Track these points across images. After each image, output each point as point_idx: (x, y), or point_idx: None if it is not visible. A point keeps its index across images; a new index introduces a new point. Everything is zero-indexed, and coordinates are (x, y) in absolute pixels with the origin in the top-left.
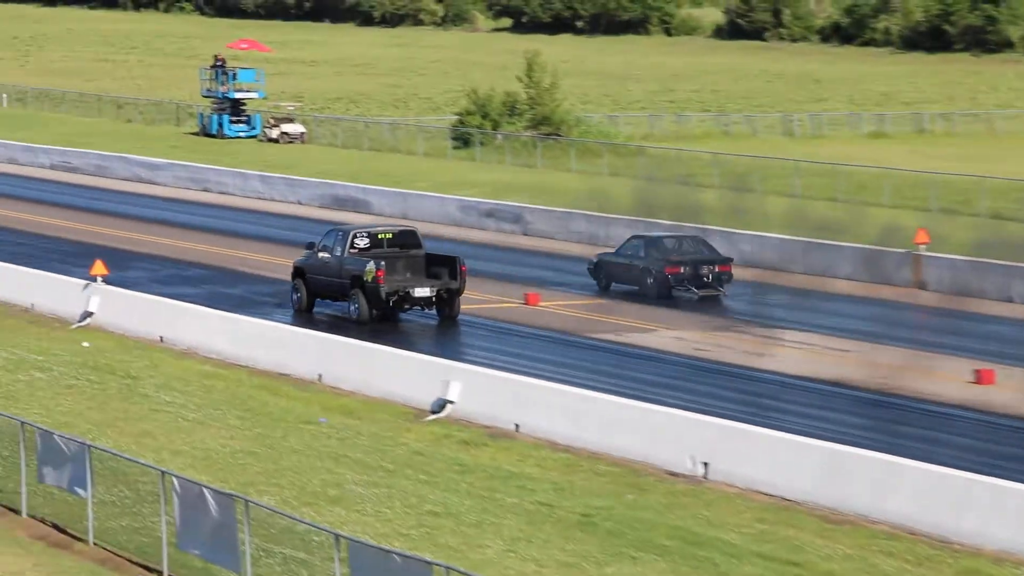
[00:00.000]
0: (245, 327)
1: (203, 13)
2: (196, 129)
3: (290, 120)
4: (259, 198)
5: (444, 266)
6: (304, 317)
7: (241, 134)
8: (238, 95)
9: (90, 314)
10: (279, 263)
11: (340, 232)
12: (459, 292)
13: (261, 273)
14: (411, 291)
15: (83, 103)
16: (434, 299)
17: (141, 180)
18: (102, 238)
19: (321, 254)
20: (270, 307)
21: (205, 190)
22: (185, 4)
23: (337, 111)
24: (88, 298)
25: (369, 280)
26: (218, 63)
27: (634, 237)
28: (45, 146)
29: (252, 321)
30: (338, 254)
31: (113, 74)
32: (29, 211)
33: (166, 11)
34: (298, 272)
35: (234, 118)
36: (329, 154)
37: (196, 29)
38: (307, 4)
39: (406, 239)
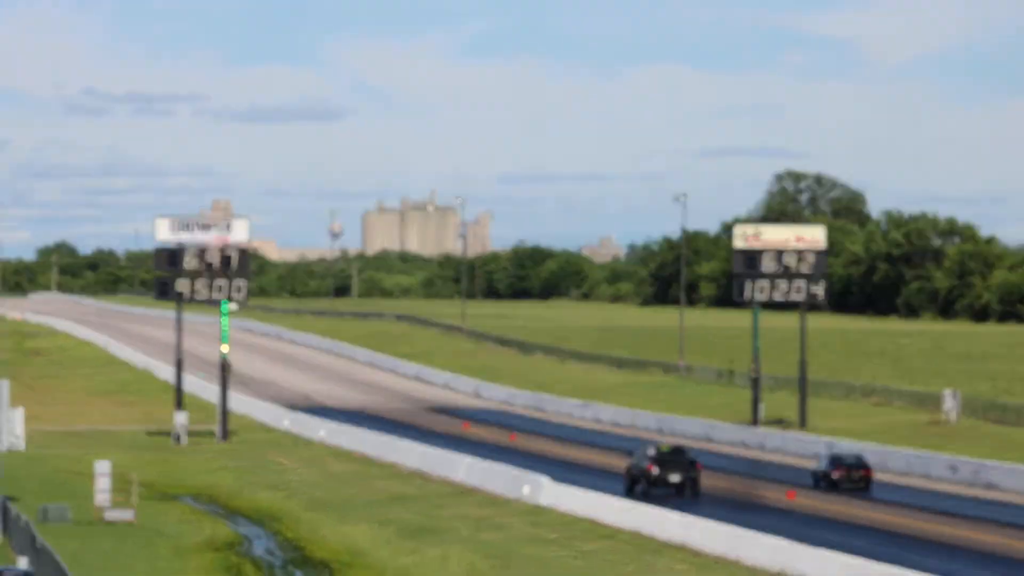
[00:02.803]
0: None
1: None
2: None
3: None
4: None
5: (692, 464)
6: None
7: None
8: None
9: None
10: None
11: (641, 446)
12: (697, 480)
13: None
14: (668, 478)
15: None
16: (682, 483)
17: None
18: None
19: (635, 459)
20: None
21: None
22: None
23: None
24: None
25: (645, 471)
26: None
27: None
28: None
29: None
30: (638, 458)
31: None
32: None
33: None
34: (627, 470)
35: None
36: None
37: None
38: None
39: (677, 451)
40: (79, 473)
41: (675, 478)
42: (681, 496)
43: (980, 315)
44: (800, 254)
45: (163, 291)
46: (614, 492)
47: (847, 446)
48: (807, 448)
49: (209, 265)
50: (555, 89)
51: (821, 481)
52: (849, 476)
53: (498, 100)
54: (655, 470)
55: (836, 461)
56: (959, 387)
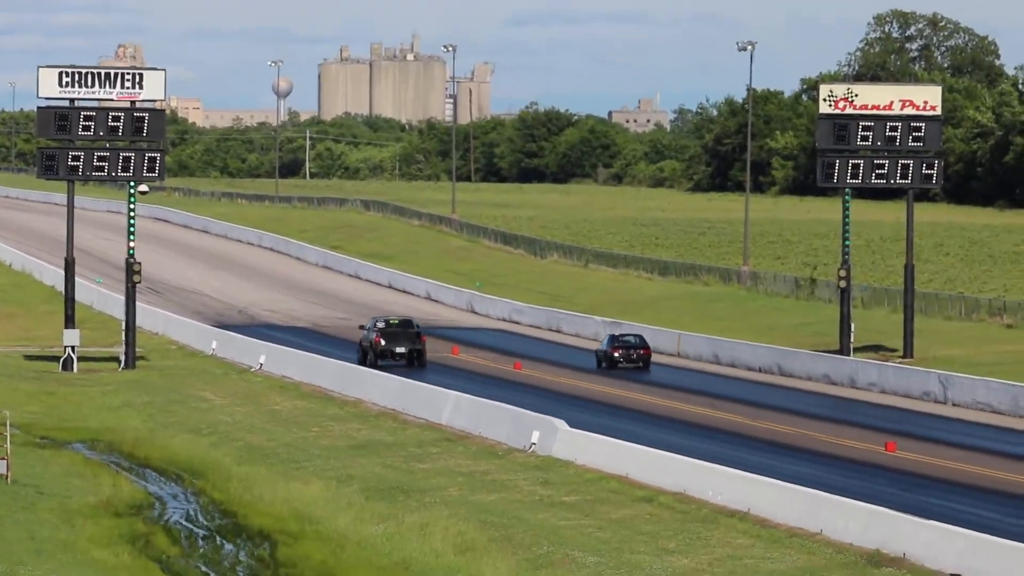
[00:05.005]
0: None
1: None
2: None
3: None
4: None
5: (418, 336)
6: None
7: None
8: None
9: None
10: None
11: (371, 320)
12: (422, 352)
13: None
14: (394, 349)
15: None
16: (409, 354)
17: None
18: None
19: (366, 332)
20: None
21: None
22: None
23: None
24: None
25: (372, 342)
26: None
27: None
28: None
29: None
30: (368, 331)
31: None
32: None
33: None
34: (360, 342)
35: None
36: None
37: None
38: None
39: (405, 324)
40: None
41: (401, 349)
42: (410, 367)
43: None
44: (908, 123)
45: (49, 166)
46: (653, 440)
47: (627, 326)
48: (914, 385)
49: (111, 132)
50: None
51: (603, 361)
52: (628, 356)
53: None
54: (382, 342)
55: (615, 341)
56: None
